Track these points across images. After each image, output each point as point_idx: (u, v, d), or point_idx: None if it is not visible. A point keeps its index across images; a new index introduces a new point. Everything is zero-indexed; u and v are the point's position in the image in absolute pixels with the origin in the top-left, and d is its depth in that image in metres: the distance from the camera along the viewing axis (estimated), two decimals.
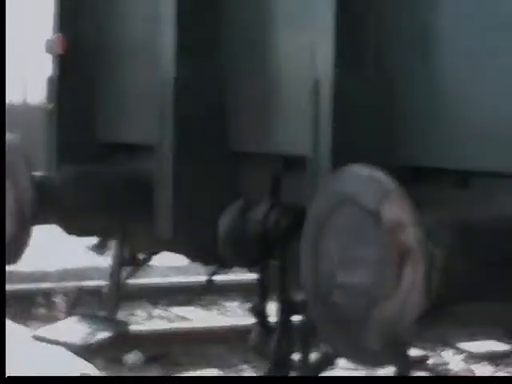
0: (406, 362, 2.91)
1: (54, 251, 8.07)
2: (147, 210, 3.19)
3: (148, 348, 5.15)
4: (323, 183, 2.38)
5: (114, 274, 3.74)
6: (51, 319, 6.15)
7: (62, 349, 3.76)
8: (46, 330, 3.92)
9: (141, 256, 3.75)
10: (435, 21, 2.45)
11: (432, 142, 2.42)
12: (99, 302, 4.58)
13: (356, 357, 2.27)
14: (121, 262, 3.64)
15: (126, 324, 3.88)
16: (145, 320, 6.56)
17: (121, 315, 3.79)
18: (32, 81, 3.65)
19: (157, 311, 6.89)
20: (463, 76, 2.35)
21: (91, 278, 7.07)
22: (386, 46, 2.56)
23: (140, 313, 6.70)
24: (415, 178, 2.54)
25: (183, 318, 6.56)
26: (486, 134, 2.27)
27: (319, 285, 2.29)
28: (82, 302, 6.26)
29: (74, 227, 3.51)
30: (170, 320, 6.55)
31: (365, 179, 2.18)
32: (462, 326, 3.10)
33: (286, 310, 2.81)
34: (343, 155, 2.46)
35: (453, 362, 5.55)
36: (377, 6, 2.55)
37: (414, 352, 5.11)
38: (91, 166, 3.61)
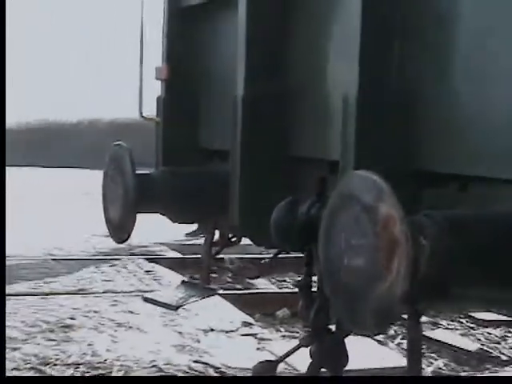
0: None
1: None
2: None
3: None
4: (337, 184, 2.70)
5: (207, 250, 4.31)
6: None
7: None
8: (153, 294, 4.74)
9: (228, 236, 4.37)
10: (458, 32, 2.64)
11: (449, 150, 2.68)
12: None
13: (356, 325, 2.64)
14: (211, 241, 4.24)
15: (214, 291, 4.51)
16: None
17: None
18: (147, 99, 4.35)
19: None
20: (483, 88, 2.55)
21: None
22: (409, 60, 2.80)
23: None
24: (431, 183, 2.84)
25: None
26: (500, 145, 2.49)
27: (330, 265, 2.67)
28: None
29: (175, 216, 4.15)
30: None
31: (365, 181, 2.49)
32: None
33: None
34: (366, 161, 2.76)
35: None
36: (402, 22, 2.80)
37: None
38: (188, 167, 4.25)
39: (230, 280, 8.55)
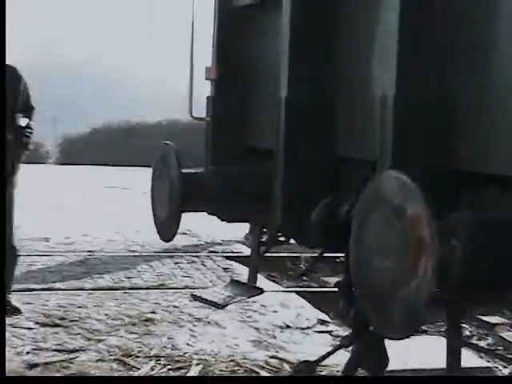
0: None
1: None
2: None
3: None
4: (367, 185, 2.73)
5: (255, 249, 4.32)
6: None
7: None
8: (202, 292, 4.86)
9: (276, 235, 4.27)
10: (498, 27, 2.60)
11: (489, 150, 2.64)
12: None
13: (384, 328, 2.63)
14: (260, 240, 4.23)
15: (261, 290, 4.37)
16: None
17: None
18: (197, 99, 4.31)
19: None
20: None
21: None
22: (448, 60, 2.79)
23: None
24: (471, 183, 2.81)
25: None
26: None
27: (359, 266, 2.68)
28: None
29: (223, 214, 4.12)
30: None
31: (395, 182, 2.51)
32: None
33: None
34: (404, 161, 2.77)
35: None
36: (439, 24, 2.78)
37: None
38: (235, 166, 4.20)
39: (305, 278, 8.60)
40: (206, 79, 4.34)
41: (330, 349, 5.63)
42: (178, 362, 5.37)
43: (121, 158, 23.94)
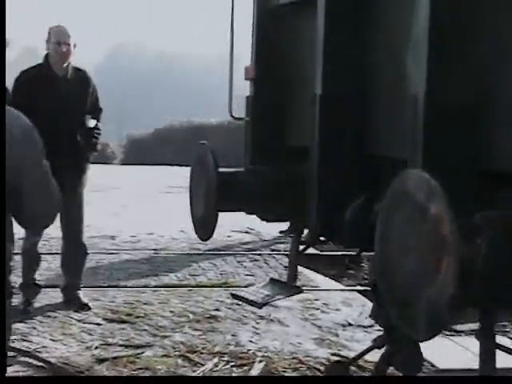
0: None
1: None
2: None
3: None
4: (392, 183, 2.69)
5: (294, 247, 4.25)
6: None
7: None
8: (241, 290, 4.73)
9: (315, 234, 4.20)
10: None
11: None
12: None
13: (407, 329, 2.59)
14: (299, 239, 4.16)
15: (300, 289, 4.41)
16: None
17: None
18: (237, 99, 4.30)
19: None
20: None
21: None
22: (478, 60, 2.73)
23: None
24: (503, 183, 2.73)
25: None
26: None
27: (384, 264, 2.64)
28: None
29: (261, 214, 4.12)
30: None
31: (418, 181, 2.47)
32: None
33: None
34: (434, 160, 2.71)
35: None
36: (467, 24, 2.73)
37: None
38: (274, 165, 4.13)
39: (366, 276, 8.58)
40: (246, 79, 4.33)
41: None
42: (241, 358, 5.43)
43: (184, 158, 24.11)
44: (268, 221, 4.28)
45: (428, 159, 2.71)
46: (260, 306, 4.44)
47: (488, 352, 3.32)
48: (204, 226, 4.10)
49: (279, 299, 4.74)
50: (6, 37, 3.48)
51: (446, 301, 2.26)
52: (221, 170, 3.93)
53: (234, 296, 4.50)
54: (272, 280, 4.51)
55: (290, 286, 4.24)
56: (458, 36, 2.72)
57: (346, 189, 3.37)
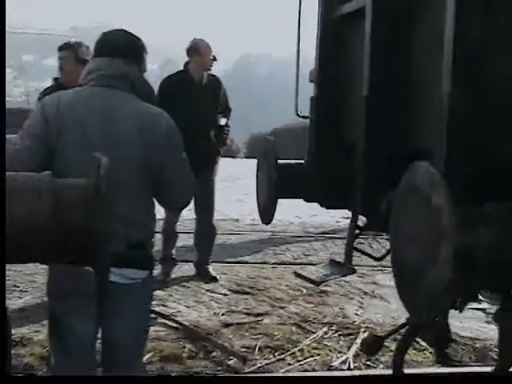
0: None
1: None
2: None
3: None
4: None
5: (351, 231, 4.12)
6: None
7: None
8: (304, 270, 4.51)
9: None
10: None
11: None
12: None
13: (410, 311, 2.49)
14: (356, 224, 4.03)
15: (354, 271, 4.25)
16: None
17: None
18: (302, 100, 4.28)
19: None
20: None
21: None
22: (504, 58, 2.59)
23: None
24: None
25: None
26: None
27: (396, 252, 2.56)
28: None
29: (321, 201, 4.01)
30: None
31: (424, 172, 2.37)
32: None
33: None
34: (458, 157, 2.55)
35: None
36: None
37: None
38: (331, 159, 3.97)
39: None
40: (310, 81, 4.25)
41: (482, 325, 5.63)
42: (347, 328, 5.49)
43: (301, 156, 24.11)
44: (327, 208, 4.24)
45: (452, 155, 2.54)
46: (317, 284, 4.47)
47: (506, 336, 3.22)
48: (266, 212, 4.17)
49: (335, 279, 4.85)
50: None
51: (443, 284, 2.17)
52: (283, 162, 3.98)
53: (297, 275, 4.43)
54: (331, 261, 4.38)
55: (346, 267, 4.16)
56: (484, 35, 2.54)
57: (387, 180, 3.15)
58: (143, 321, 3.27)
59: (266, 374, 4.39)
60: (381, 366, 4.88)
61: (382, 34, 3.26)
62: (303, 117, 4.35)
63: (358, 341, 5.20)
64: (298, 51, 4.33)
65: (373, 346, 3.24)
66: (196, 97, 6.37)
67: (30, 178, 2.02)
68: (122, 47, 3.08)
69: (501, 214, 2.22)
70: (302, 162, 4.11)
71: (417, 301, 2.39)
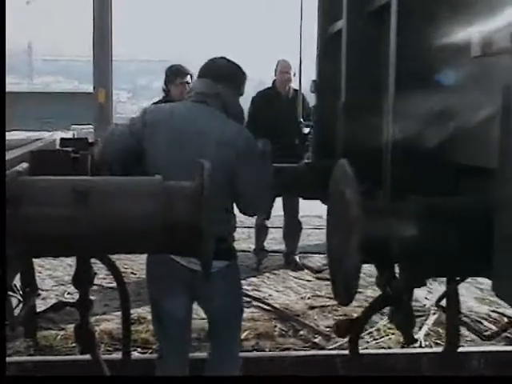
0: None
1: None
2: None
3: None
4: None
5: None
6: None
7: None
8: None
9: None
10: None
11: None
12: None
13: (335, 296, 2.44)
14: None
15: None
16: None
17: None
18: None
19: None
20: None
21: None
22: None
23: None
24: None
25: None
26: None
27: (328, 243, 2.51)
28: None
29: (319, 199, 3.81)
30: None
31: (340, 169, 2.34)
32: None
33: None
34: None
35: None
36: None
37: None
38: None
39: None
40: (311, 92, 4.09)
41: None
42: (418, 311, 5.38)
43: None
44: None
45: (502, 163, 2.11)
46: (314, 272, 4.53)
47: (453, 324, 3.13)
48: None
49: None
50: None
51: (354, 271, 2.13)
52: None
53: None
54: None
55: None
56: None
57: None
58: (233, 302, 3.32)
59: (266, 374, 4.26)
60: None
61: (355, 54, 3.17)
62: (306, 125, 4.25)
63: (429, 322, 5.12)
64: (300, 67, 4.23)
65: (345, 328, 3.01)
66: (282, 109, 6.45)
67: (143, 182, 2.06)
68: (221, 72, 3.18)
69: (415, 207, 2.12)
70: None
71: (337, 285, 2.40)
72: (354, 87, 3.17)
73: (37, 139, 3.39)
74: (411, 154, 2.37)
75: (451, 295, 3.22)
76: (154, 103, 5.73)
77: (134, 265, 6.60)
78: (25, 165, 2.33)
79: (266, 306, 5.50)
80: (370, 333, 4.94)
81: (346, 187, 2.23)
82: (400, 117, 2.43)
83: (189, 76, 5.75)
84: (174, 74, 5.59)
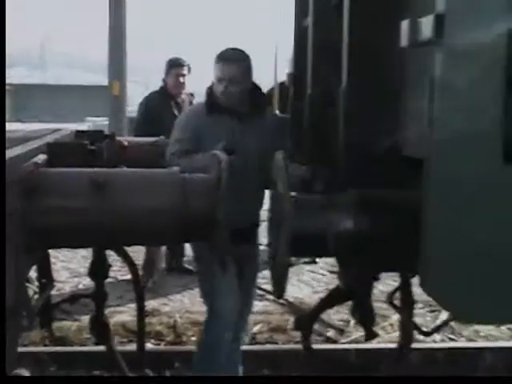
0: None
1: None
2: None
3: None
4: None
5: None
6: None
7: None
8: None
9: None
10: None
11: None
12: None
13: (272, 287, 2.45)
14: None
15: None
16: None
17: None
18: None
19: None
20: None
21: None
22: None
23: None
24: None
25: None
26: None
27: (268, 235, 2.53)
28: None
29: None
30: None
31: (276, 164, 2.32)
32: None
33: None
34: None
35: None
36: None
37: None
38: None
39: None
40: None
41: None
42: (431, 306, 5.32)
43: None
44: None
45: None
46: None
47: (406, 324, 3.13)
48: None
49: None
50: None
51: (283, 264, 2.16)
52: None
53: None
54: None
55: None
56: None
57: None
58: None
59: (266, 374, 4.27)
60: (462, 339, 4.81)
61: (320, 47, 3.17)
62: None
63: (442, 316, 5.08)
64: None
65: (304, 322, 3.05)
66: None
67: (160, 174, 2.07)
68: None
69: (351, 200, 2.13)
70: None
71: (271, 278, 2.41)
72: (318, 80, 3.17)
73: (54, 131, 3.41)
74: (362, 148, 2.36)
75: (404, 290, 3.17)
76: (151, 93, 5.88)
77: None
78: (42, 156, 2.34)
79: (279, 300, 5.45)
80: (383, 327, 4.92)
81: (278, 181, 2.22)
82: (351, 110, 2.42)
83: (185, 68, 5.82)
84: (171, 65, 5.79)
